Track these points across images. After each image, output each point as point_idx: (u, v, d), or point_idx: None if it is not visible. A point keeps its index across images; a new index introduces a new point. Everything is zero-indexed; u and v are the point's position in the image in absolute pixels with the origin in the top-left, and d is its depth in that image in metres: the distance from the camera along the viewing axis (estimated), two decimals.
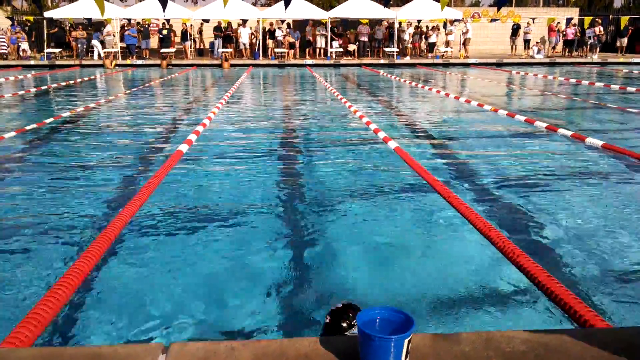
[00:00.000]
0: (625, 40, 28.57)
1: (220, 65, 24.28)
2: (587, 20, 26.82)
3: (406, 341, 1.68)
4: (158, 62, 24.92)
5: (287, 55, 26.32)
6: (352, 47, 27.05)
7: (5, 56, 25.40)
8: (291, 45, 26.38)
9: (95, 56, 25.56)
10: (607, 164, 6.70)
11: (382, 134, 7.75)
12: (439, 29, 27.56)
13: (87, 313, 3.20)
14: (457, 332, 1.96)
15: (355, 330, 2.13)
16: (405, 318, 1.77)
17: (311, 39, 27.30)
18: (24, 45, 25.88)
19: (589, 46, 27.55)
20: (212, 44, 27.01)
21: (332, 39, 26.70)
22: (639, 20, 30.53)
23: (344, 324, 2.14)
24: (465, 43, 27.59)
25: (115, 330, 3.02)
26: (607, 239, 4.33)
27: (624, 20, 27.66)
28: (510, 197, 5.44)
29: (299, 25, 28.35)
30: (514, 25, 28.64)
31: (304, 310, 3.27)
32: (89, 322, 3.11)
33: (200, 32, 29.00)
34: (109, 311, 3.21)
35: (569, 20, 27.74)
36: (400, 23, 27.54)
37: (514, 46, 28.68)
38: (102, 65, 24.20)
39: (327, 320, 2.18)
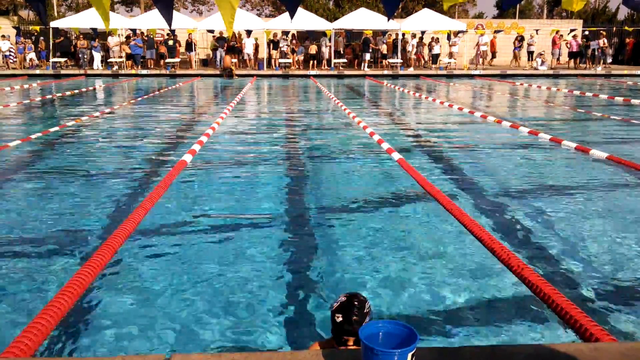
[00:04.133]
0: None
1: (221, 75, 24.31)
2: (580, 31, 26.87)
3: (410, 355, 1.66)
4: (163, 71, 25.05)
5: (291, 65, 26.46)
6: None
7: (14, 65, 25.63)
8: (312, 56, 26.71)
9: (95, 66, 25.70)
10: (612, 176, 6.67)
11: (385, 145, 7.75)
12: (438, 41, 27.58)
13: (89, 323, 3.18)
14: (461, 346, 1.94)
15: (368, 318, 2.09)
16: (409, 332, 1.76)
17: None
18: (31, 55, 26.09)
19: (597, 58, 27.51)
20: (215, 54, 27.15)
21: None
22: None
23: (356, 317, 2.07)
24: (483, 55, 27.65)
25: (116, 341, 3.00)
26: (612, 252, 4.30)
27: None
28: (514, 209, 5.42)
29: (305, 38, 28.51)
30: (518, 36, 28.70)
31: (307, 319, 3.25)
32: (90, 332, 3.09)
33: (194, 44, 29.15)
34: (111, 322, 3.19)
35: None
36: (403, 34, 27.63)
37: (518, 58, 28.74)
38: (107, 75, 24.36)
39: (339, 319, 2.09)
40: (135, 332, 3.08)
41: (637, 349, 1.95)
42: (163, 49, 25.68)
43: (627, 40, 30.15)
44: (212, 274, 3.82)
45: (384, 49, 27.37)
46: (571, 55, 28.06)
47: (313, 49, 26.75)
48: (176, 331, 3.08)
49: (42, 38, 26.64)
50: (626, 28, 30.13)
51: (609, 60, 28.82)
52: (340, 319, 2.09)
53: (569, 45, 27.81)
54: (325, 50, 26.81)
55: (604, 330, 2.48)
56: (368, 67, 27.06)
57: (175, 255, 4.17)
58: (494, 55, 29.86)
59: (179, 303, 3.40)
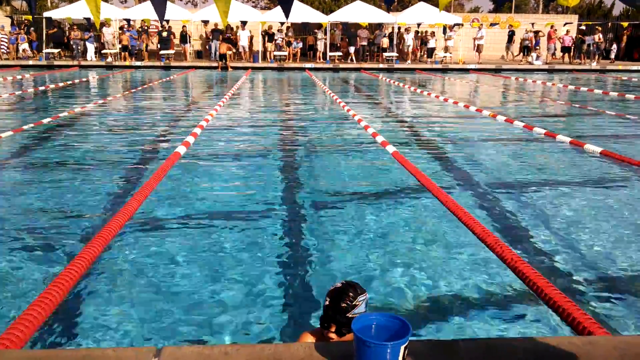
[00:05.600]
0: None
1: (216, 67, 24.21)
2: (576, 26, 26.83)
3: (402, 347, 1.65)
4: (157, 63, 24.94)
5: (287, 58, 26.40)
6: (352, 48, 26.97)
7: (6, 56, 25.42)
8: (310, 47, 26.73)
9: (89, 57, 25.55)
10: (606, 171, 6.69)
11: (380, 138, 7.73)
12: (434, 35, 27.52)
13: (80, 316, 3.16)
14: (455, 339, 1.93)
15: (357, 310, 2.01)
16: (401, 324, 1.74)
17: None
18: (24, 45, 25.88)
19: (592, 53, 27.53)
20: (210, 46, 27.02)
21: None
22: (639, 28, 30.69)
23: (344, 305, 2.01)
24: (479, 49, 27.49)
25: (107, 333, 2.98)
26: (606, 246, 4.31)
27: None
28: (508, 203, 5.42)
29: (300, 30, 28.47)
30: (509, 31, 28.64)
31: (300, 311, 3.24)
32: (82, 324, 3.07)
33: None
34: (102, 314, 3.17)
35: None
36: (399, 27, 27.57)
37: (508, 52, 28.72)
38: (101, 66, 24.22)
39: (327, 302, 2.05)
40: (126, 324, 3.06)
41: (631, 343, 1.95)
42: (147, 41, 25.69)
43: (624, 32, 30.18)
44: (205, 266, 3.80)
45: (384, 42, 27.24)
46: (564, 49, 28.08)
47: (310, 40, 26.79)
48: (168, 324, 3.07)
49: (32, 28, 26.39)
50: (622, 23, 30.18)
51: (613, 55, 28.90)
52: (327, 303, 2.06)
53: (561, 40, 27.83)
54: (319, 43, 26.73)
55: (597, 324, 2.48)
56: (363, 60, 27.00)
57: (168, 248, 4.14)
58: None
59: (172, 295, 3.38)
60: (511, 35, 28.30)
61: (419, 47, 28.10)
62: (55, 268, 3.71)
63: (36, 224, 4.65)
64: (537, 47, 27.71)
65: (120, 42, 25.42)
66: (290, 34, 26.93)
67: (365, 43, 27.31)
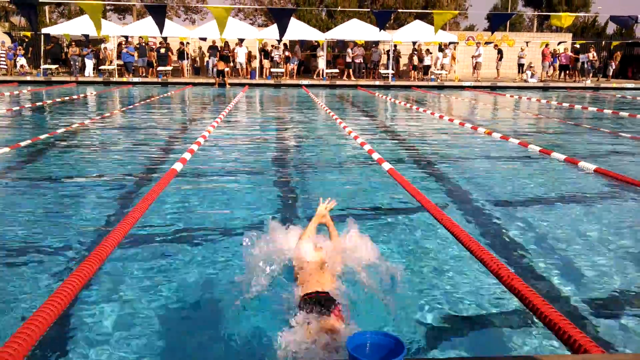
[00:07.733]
0: None
1: (213, 84, 24.33)
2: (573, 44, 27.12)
3: None
4: (154, 79, 25.07)
5: (284, 75, 26.58)
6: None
7: (4, 72, 25.52)
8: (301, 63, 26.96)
9: (87, 73, 25.69)
10: (599, 188, 6.73)
11: (376, 155, 7.77)
12: (430, 52, 27.80)
13: (76, 334, 3.15)
14: (448, 358, 1.94)
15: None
16: (396, 343, 1.75)
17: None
18: (22, 61, 26.01)
19: (586, 71, 27.81)
20: (207, 63, 27.20)
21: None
22: (633, 46, 31.06)
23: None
24: (476, 67, 27.65)
25: (102, 352, 2.97)
26: (600, 263, 4.33)
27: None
28: (503, 220, 5.44)
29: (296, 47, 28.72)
30: (497, 49, 28.83)
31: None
32: (77, 343, 3.06)
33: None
34: (98, 332, 3.16)
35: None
36: (395, 45, 27.81)
37: (498, 70, 28.96)
38: (99, 82, 24.33)
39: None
40: (121, 342, 3.05)
41: None
42: (151, 57, 25.88)
43: (615, 54, 30.64)
44: (201, 284, 3.79)
45: (384, 59, 27.58)
46: (562, 67, 28.35)
47: (303, 57, 27.12)
48: (163, 342, 3.06)
49: (20, 46, 26.61)
50: (615, 43, 30.53)
51: (611, 73, 29.24)
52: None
53: (559, 57, 28.10)
54: (319, 61, 26.95)
55: (592, 342, 2.48)
56: (359, 76, 27.20)
57: (165, 265, 4.14)
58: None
59: (167, 313, 3.38)
60: (499, 52, 28.53)
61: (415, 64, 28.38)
62: (52, 283, 3.71)
63: (32, 241, 4.64)
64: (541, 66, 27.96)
65: (110, 61, 25.66)
66: (287, 52, 27.12)
67: (360, 60, 27.55)
